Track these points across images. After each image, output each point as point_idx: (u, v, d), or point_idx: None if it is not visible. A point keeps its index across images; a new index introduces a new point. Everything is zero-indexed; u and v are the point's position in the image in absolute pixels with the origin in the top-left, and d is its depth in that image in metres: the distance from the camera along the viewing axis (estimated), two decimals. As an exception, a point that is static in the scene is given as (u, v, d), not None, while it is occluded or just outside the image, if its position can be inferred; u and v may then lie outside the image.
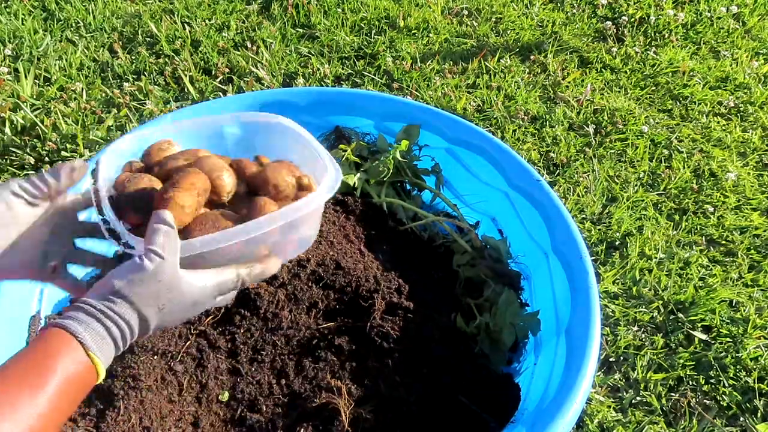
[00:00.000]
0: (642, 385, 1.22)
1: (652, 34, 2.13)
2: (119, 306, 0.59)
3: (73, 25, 1.97)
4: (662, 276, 1.40)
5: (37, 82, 1.74)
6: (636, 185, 1.62)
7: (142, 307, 0.60)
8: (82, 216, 0.73)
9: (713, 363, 1.25)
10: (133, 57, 1.87)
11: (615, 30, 2.12)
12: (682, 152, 1.72)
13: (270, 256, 0.71)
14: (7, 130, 1.56)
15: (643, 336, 1.31)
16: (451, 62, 1.94)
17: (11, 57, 1.81)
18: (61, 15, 1.99)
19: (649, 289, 1.38)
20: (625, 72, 1.98)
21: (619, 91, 1.90)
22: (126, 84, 1.75)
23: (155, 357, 0.98)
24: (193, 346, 1.01)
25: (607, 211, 1.55)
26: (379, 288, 1.07)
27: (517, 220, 1.21)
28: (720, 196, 1.61)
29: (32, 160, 1.50)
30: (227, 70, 1.82)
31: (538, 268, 1.15)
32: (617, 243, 1.47)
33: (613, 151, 1.71)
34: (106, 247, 0.78)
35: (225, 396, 0.98)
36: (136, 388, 0.94)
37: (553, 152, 1.67)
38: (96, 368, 0.57)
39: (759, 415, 1.18)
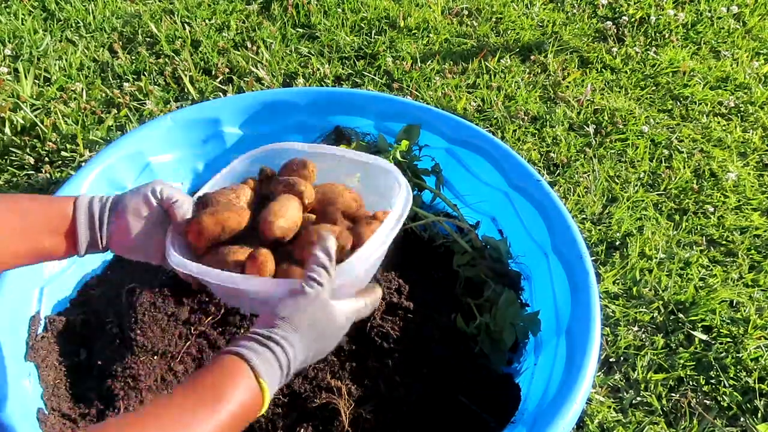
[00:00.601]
0: (642, 386, 1.22)
1: (653, 34, 2.13)
2: (284, 330, 0.62)
3: (73, 25, 1.97)
4: (662, 276, 1.40)
5: (37, 82, 1.74)
6: (636, 185, 1.62)
7: (303, 332, 0.63)
8: None
9: (714, 363, 1.25)
10: (133, 57, 1.87)
11: (615, 30, 2.12)
12: (683, 152, 1.72)
13: (375, 285, 0.78)
14: (7, 130, 1.56)
15: (644, 336, 1.31)
16: (451, 62, 1.94)
17: (11, 57, 1.81)
18: (61, 15, 1.99)
19: (650, 290, 1.38)
20: (626, 72, 1.98)
21: (620, 91, 1.90)
22: (126, 84, 1.75)
23: (155, 357, 0.98)
24: (194, 347, 1.01)
25: (607, 211, 1.55)
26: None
27: (517, 220, 1.21)
28: (720, 197, 1.61)
29: (32, 160, 1.50)
30: (227, 70, 1.82)
31: (538, 268, 1.14)
32: (617, 243, 1.47)
33: (613, 151, 1.71)
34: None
35: (225, 396, 0.98)
36: (136, 389, 0.94)
37: (554, 152, 1.67)
38: (263, 395, 0.60)
39: (759, 415, 1.18)
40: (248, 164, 0.87)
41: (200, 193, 0.80)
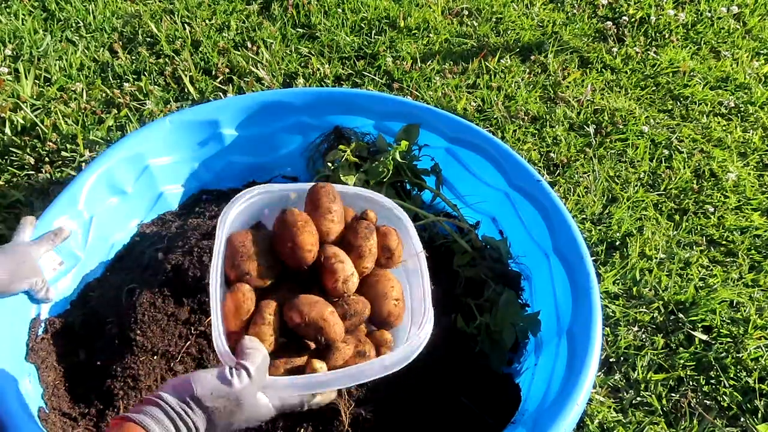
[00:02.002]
0: (642, 386, 1.22)
1: (653, 35, 2.13)
2: (195, 414, 0.61)
3: (73, 25, 1.97)
4: (663, 276, 1.40)
5: (37, 82, 1.74)
6: (636, 185, 1.61)
7: (216, 419, 0.62)
8: None
9: (714, 363, 1.25)
10: (133, 57, 1.87)
11: (615, 30, 2.12)
12: (683, 152, 1.72)
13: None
14: (7, 130, 1.56)
15: (644, 336, 1.31)
16: (452, 62, 1.94)
17: (11, 57, 1.81)
18: (61, 15, 1.99)
19: (650, 290, 1.37)
20: (626, 72, 1.97)
21: (620, 92, 1.90)
22: (126, 84, 1.75)
23: (155, 357, 0.98)
24: (194, 347, 1.01)
25: (607, 211, 1.55)
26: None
27: (518, 220, 1.21)
28: (720, 197, 1.61)
29: (32, 161, 1.50)
30: (227, 70, 1.82)
31: (538, 268, 1.14)
32: (617, 243, 1.47)
33: (613, 151, 1.71)
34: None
35: (225, 396, 0.98)
36: (136, 388, 0.94)
37: (554, 152, 1.67)
38: None
39: (759, 415, 1.18)
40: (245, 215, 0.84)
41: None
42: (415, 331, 0.74)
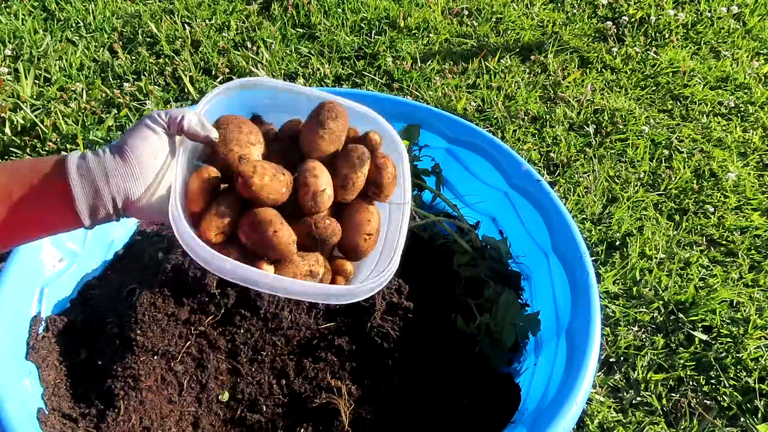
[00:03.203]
0: (642, 386, 1.22)
1: (653, 34, 2.13)
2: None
3: (73, 25, 1.97)
4: (663, 276, 1.40)
5: (37, 82, 1.74)
6: (636, 185, 1.61)
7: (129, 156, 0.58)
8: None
9: (714, 363, 1.25)
10: (133, 57, 1.87)
11: (615, 30, 2.12)
12: (683, 152, 1.72)
13: None
14: (7, 130, 1.56)
15: (644, 336, 1.31)
16: (452, 62, 1.94)
17: (11, 57, 1.81)
18: (61, 15, 1.99)
19: (650, 290, 1.37)
20: (626, 72, 1.97)
21: (620, 91, 1.90)
22: (126, 84, 1.75)
23: (155, 357, 0.98)
24: (194, 347, 1.01)
25: (607, 211, 1.55)
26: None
27: (518, 220, 1.21)
28: (720, 197, 1.61)
29: (32, 160, 1.50)
30: (227, 70, 1.82)
31: (538, 268, 1.14)
32: (617, 243, 1.47)
33: (613, 151, 1.71)
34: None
35: (225, 396, 0.98)
36: (137, 389, 0.94)
37: (554, 152, 1.67)
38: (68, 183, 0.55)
39: (759, 415, 1.18)
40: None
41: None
42: (375, 273, 0.70)
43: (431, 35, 2.04)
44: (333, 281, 0.70)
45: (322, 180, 0.67)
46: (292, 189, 0.67)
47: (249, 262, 0.63)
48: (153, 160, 0.59)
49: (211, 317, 1.03)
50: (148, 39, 1.93)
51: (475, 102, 1.80)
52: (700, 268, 1.43)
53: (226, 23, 2.00)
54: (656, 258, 1.44)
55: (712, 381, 1.23)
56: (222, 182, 0.66)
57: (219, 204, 0.64)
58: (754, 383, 1.21)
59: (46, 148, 1.53)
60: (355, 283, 0.71)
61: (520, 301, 1.16)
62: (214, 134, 0.65)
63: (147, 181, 0.59)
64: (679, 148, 1.73)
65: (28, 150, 1.53)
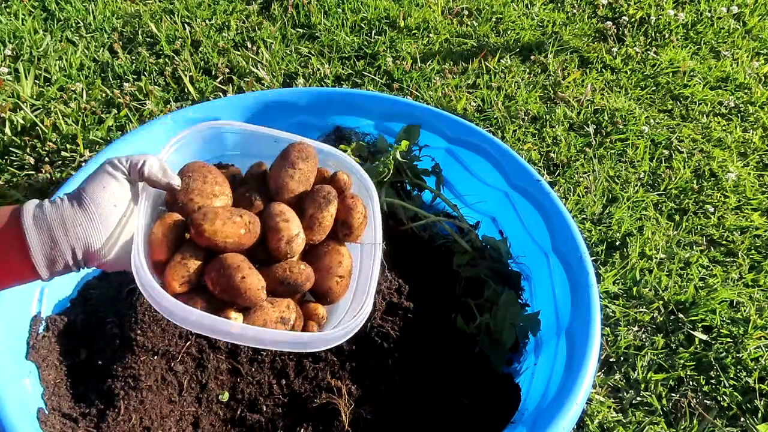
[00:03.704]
0: (642, 386, 1.22)
1: (653, 34, 2.13)
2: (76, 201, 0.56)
3: (73, 25, 1.97)
4: (663, 276, 1.40)
5: (37, 82, 1.74)
6: (636, 185, 1.61)
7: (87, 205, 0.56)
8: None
9: (714, 363, 1.25)
10: (133, 57, 1.87)
11: (615, 30, 2.12)
12: (683, 152, 1.72)
13: None
14: (7, 130, 1.56)
15: (644, 336, 1.31)
16: (452, 62, 1.94)
17: (11, 57, 1.81)
18: (61, 15, 1.99)
19: (650, 290, 1.37)
20: (626, 72, 1.97)
21: (620, 91, 1.90)
22: (126, 84, 1.75)
23: (155, 357, 0.98)
24: (194, 347, 1.01)
25: (607, 211, 1.55)
26: (379, 288, 1.07)
27: (518, 220, 1.21)
28: (720, 197, 1.61)
29: (32, 161, 1.50)
30: (227, 70, 1.82)
31: (538, 268, 1.14)
32: (617, 243, 1.47)
33: (613, 151, 1.71)
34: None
35: (225, 396, 0.98)
36: (137, 389, 0.94)
37: (554, 152, 1.67)
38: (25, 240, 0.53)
39: (759, 415, 1.18)
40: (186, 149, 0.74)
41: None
42: (349, 317, 0.68)
43: (431, 35, 2.04)
44: (305, 327, 0.68)
45: (293, 225, 0.65)
46: (260, 233, 0.65)
47: (216, 313, 0.61)
48: (113, 208, 0.57)
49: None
50: (148, 39, 1.93)
51: (475, 102, 1.80)
52: (700, 268, 1.43)
53: (226, 23, 2.00)
54: (656, 258, 1.44)
55: (712, 381, 1.23)
56: (187, 230, 0.64)
57: (183, 252, 0.62)
58: (754, 383, 1.21)
59: (46, 148, 1.53)
60: (328, 327, 0.69)
61: (520, 301, 1.16)
62: (176, 181, 0.63)
63: (108, 231, 0.57)
64: (679, 148, 1.73)
65: (28, 150, 1.53)
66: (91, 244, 0.56)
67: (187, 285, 0.62)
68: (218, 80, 1.79)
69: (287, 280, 0.65)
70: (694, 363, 1.25)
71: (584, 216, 1.53)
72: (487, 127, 1.73)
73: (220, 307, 0.63)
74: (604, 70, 1.98)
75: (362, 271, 0.73)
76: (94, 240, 0.56)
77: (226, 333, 0.60)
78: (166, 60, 1.85)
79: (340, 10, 2.08)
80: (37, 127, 1.57)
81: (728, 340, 1.29)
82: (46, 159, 1.53)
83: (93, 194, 0.56)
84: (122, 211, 0.58)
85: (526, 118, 1.76)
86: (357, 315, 0.66)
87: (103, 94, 1.72)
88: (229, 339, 0.60)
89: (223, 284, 0.61)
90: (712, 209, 1.57)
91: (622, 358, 1.27)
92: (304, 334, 0.65)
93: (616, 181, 1.63)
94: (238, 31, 1.98)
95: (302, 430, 0.93)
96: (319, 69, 1.85)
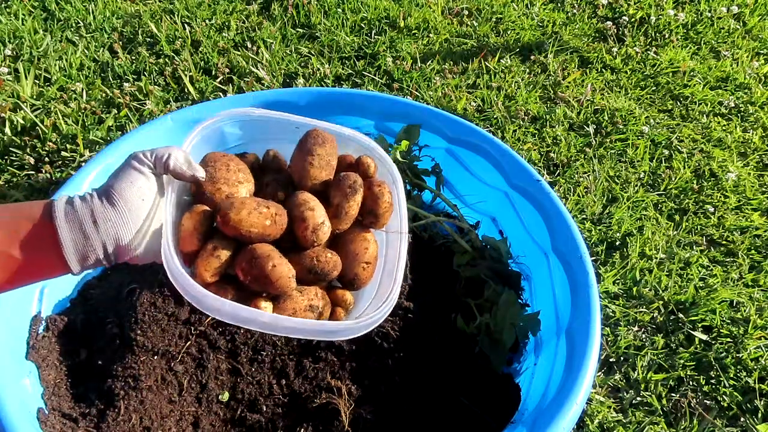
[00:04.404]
0: (642, 386, 1.22)
1: (653, 34, 2.13)
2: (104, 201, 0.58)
3: (73, 25, 1.97)
4: (663, 276, 1.40)
5: (37, 82, 1.74)
6: (636, 185, 1.61)
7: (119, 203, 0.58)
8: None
9: (714, 363, 1.25)
10: (133, 57, 1.87)
11: (615, 30, 2.12)
12: (683, 152, 1.72)
13: None
14: (7, 130, 1.56)
15: (644, 336, 1.31)
16: (452, 62, 1.94)
17: (11, 57, 1.81)
18: (61, 15, 1.99)
19: (650, 290, 1.37)
20: (626, 72, 1.98)
21: (620, 91, 1.90)
22: (126, 84, 1.75)
23: (155, 357, 0.98)
24: (194, 347, 1.01)
25: (607, 211, 1.55)
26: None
27: (518, 220, 1.21)
28: (720, 197, 1.61)
29: (32, 161, 1.50)
30: (227, 70, 1.82)
31: (538, 268, 1.14)
32: (617, 243, 1.47)
33: (613, 151, 1.71)
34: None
35: (225, 396, 0.98)
36: (137, 389, 0.94)
37: (554, 152, 1.67)
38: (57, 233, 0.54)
39: (759, 415, 1.18)
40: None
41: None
42: (375, 306, 0.68)
43: (431, 35, 2.04)
44: (333, 313, 0.69)
45: (318, 213, 0.66)
46: (286, 224, 0.66)
47: (245, 302, 0.62)
48: (141, 202, 0.58)
49: (211, 317, 1.03)
50: (148, 39, 1.93)
51: (475, 102, 1.80)
52: (700, 268, 1.43)
53: (226, 23, 2.00)
54: (656, 258, 1.44)
55: (712, 381, 1.23)
56: (214, 221, 0.65)
57: (214, 243, 0.63)
58: (754, 383, 1.21)
59: (46, 148, 1.53)
60: (355, 313, 0.70)
61: (520, 301, 1.16)
62: (201, 173, 0.64)
63: (137, 226, 0.58)
64: (679, 148, 1.73)
65: (28, 150, 1.53)
66: (121, 239, 0.57)
67: (217, 275, 0.63)
68: (218, 80, 1.79)
69: (315, 268, 0.66)
70: (694, 363, 1.25)
71: (584, 216, 1.53)
72: (487, 127, 1.73)
73: (249, 297, 0.64)
74: (604, 70, 1.98)
75: (388, 257, 0.74)
76: (124, 235, 0.58)
77: (259, 323, 0.61)
78: (166, 60, 1.85)
79: (340, 10, 2.08)
80: (37, 127, 1.57)
81: (728, 340, 1.29)
82: (46, 159, 1.53)
83: (121, 190, 0.58)
84: (150, 205, 0.59)
85: (526, 118, 1.76)
86: (383, 304, 0.67)
87: (103, 94, 1.72)
88: (260, 328, 0.61)
89: (255, 273, 0.62)
90: (712, 209, 1.57)
91: (622, 358, 1.27)
92: (334, 323, 0.65)
93: (616, 181, 1.63)
94: (238, 31, 1.98)
95: (302, 430, 0.93)
96: (319, 69, 1.85)
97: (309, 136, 0.72)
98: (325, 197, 0.70)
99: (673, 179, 1.63)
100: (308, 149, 0.70)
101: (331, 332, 0.65)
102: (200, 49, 1.89)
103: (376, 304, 0.68)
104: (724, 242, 1.50)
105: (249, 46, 1.91)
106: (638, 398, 1.20)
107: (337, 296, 0.70)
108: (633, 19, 2.15)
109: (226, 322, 0.61)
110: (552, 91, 1.87)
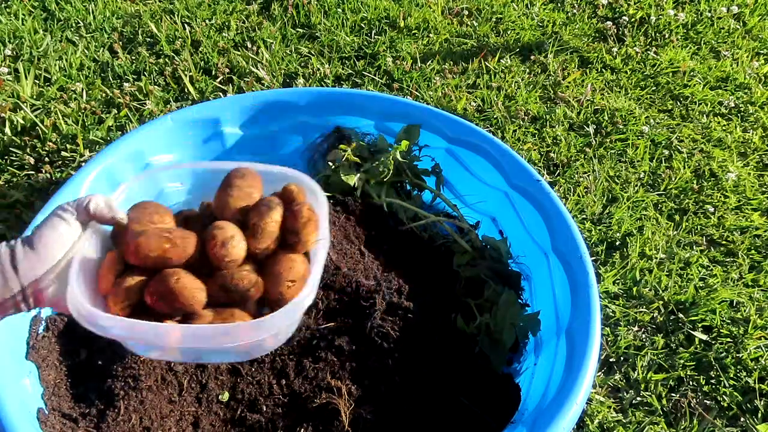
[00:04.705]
0: (642, 386, 1.22)
1: (653, 34, 2.13)
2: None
3: (73, 25, 1.97)
4: (663, 276, 1.40)
5: (37, 82, 1.74)
6: (636, 185, 1.62)
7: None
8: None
9: (714, 363, 1.25)
10: (133, 57, 1.87)
11: (615, 30, 2.12)
12: (683, 152, 1.72)
13: None
14: (7, 130, 1.56)
15: (644, 336, 1.31)
16: (452, 62, 1.94)
17: (11, 57, 1.81)
18: (61, 15, 1.99)
19: (650, 290, 1.38)
20: (626, 72, 1.98)
21: (620, 91, 1.90)
22: (126, 84, 1.75)
23: (155, 357, 0.98)
24: (193, 347, 1.00)
25: (607, 211, 1.55)
26: (380, 288, 1.07)
27: (517, 220, 1.21)
28: (720, 197, 1.61)
29: (32, 161, 1.50)
30: (227, 70, 1.82)
31: (538, 268, 1.14)
32: (617, 243, 1.47)
33: (613, 151, 1.71)
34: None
35: (225, 396, 0.98)
36: (137, 388, 0.94)
37: (554, 152, 1.67)
38: None
39: (759, 415, 1.18)
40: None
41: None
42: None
43: (431, 35, 2.04)
44: None
45: (228, 230, 0.65)
46: (194, 247, 0.65)
47: None
48: (61, 247, 0.60)
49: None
50: (148, 39, 1.93)
51: (475, 102, 1.80)
52: (700, 268, 1.43)
53: (226, 23, 2.00)
54: (656, 258, 1.44)
55: (712, 381, 1.23)
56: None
57: (124, 276, 0.63)
58: (754, 383, 1.21)
59: (46, 148, 1.54)
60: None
61: (520, 301, 1.16)
62: (121, 215, 0.65)
63: (55, 270, 0.60)
64: (679, 148, 1.73)
65: (28, 150, 1.53)
66: (39, 282, 0.60)
67: (128, 308, 0.62)
68: (218, 80, 1.79)
69: (229, 285, 0.63)
70: (694, 363, 1.25)
71: (584, 216, 1.53)
72: (487, 127, 1.73)
73: (159, 321, 0.62)
74: (604, 70, 1.98)
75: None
76: (40, 277, 0.60)
77: (153, 334, 0.59)
78: (166, 60, 1.85)
79: (340, 10, 2.08)
80: (37, 127, 1.57)
81: (728, 340, 1.29)
82: (46, 159, 1.53)
83: (42, 235, 0.60)
84: (68, 248, 0.61)
85: (526, 118, 1.76)
86: (293, 303, 0.63)
87: (103, 94, 1.72)
88: (153, 341, 0.60)
89: (161, 291, 0.61)
90: (712, 209, 1.57)
91: (622, 358, 1.27)
92: (231, 324, 0.62)
93: (616, 181, 1.63)
94: (238, 31, 1.98)
95: (302, 430, 0.93)
96: (319, 69, 1.85)
97: (230, 173, 0.72)
98: (243, 225, 0.68)
99: (673, 179, 1.63)
100: (228, 183, 0.71)
101: (226, 334, 0.61)
102: (200, 49, 1.89)
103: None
104: (724, 242, 1.50)
105: (249, 46, 1.91)
106: (638, 398, 1.20)
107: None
108: (633, 19, 2.15)
109: (128, 349, 0.60)
110: (552, 91, 1.87)
